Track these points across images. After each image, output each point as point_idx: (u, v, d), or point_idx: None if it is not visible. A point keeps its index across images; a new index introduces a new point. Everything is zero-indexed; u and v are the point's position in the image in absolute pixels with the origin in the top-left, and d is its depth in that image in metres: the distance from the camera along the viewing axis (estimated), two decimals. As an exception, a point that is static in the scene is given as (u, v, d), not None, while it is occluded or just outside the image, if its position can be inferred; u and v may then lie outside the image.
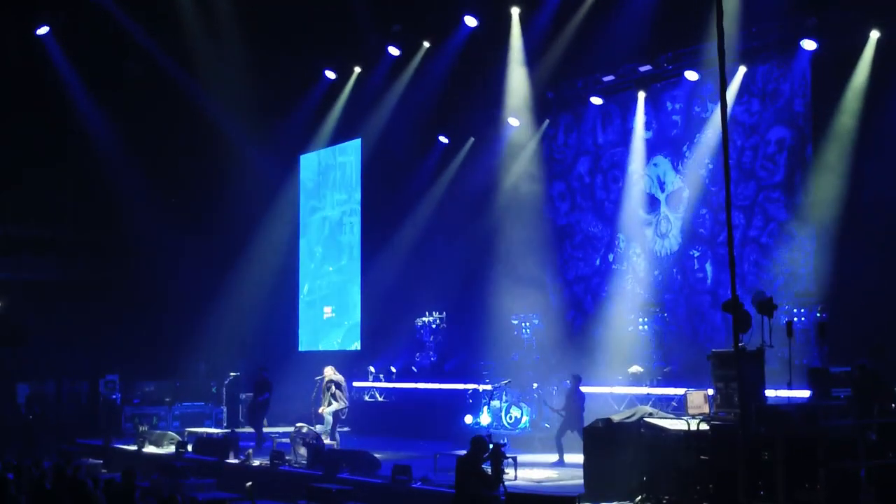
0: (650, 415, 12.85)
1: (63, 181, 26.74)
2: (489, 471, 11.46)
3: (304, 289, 28.34)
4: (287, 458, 16.79)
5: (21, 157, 25.87)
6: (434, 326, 23.27)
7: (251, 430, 21.28)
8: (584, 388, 17.14)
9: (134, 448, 20.16)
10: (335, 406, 18.94)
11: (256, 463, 17.12)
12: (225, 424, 23.47)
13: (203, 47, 24.97)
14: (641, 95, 20.78)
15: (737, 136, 18.86)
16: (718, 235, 19.30)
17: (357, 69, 25.60)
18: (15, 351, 26.07)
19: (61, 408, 26.01)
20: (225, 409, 24.16)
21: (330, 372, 19.34)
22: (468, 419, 19.57)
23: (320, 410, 18.76)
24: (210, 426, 23.29)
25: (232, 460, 17.68)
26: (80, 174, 26.67)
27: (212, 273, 27.01)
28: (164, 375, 25.96)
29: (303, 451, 16.77)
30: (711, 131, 19.37)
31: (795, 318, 16.79)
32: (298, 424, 17.76)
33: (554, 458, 16.62)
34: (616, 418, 13.09)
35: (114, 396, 24.19)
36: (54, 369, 26.55)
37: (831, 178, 17.30)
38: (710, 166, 19.53)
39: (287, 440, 17.50)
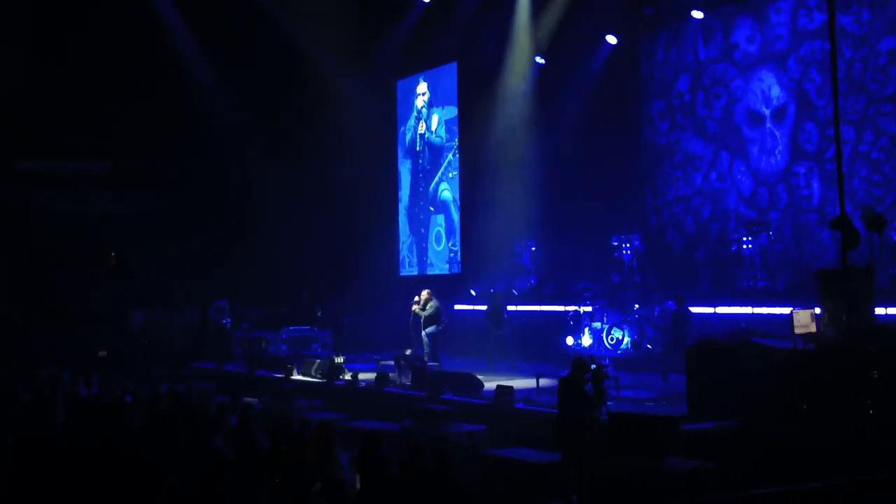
0: (755, 334, 12.70)
1: (165, 116, 27.20)
2: (591, 391, 11.50)
3: (403, 213, 28.56)
4: (392, 379, 17.11)
5: (124, 94, 26.43)
6: (533, 249, 23.23)
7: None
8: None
9: (245, 371, 20.88)
10: (433, 329, 19.22)
11: (362, 385, 17.48)
12: (332, 348, 23.97)
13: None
14: (743, 7, 20.15)
15: (845, 48, 18.16)
16: (826, 151, 18.75)
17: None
18: (127, 280, 26.99)
19: (174, 334, 26.88)
20: (331, 333, 24.67)
21: (426, 295, 19.58)
22: (569, 341, 19.62)
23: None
24: (317, 349, 23.81)
25: (338, 382, 18.11)
26: (180, 109, 27.10)
27: (312, 201, 27.39)
28: (270, 301, 26.59)
29: (407, 373, 17.07)
30: (818, 43, 18.71)
31: (907, 235, 16.30)
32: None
33: (657, 378, 16.60)
34: (720, 338, 12.97)
35: (223, 322, 24.92)
36: (166, 297, 27.36)
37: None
38: (818, 80, 18.92)
39: (392, 362, 17.81)
